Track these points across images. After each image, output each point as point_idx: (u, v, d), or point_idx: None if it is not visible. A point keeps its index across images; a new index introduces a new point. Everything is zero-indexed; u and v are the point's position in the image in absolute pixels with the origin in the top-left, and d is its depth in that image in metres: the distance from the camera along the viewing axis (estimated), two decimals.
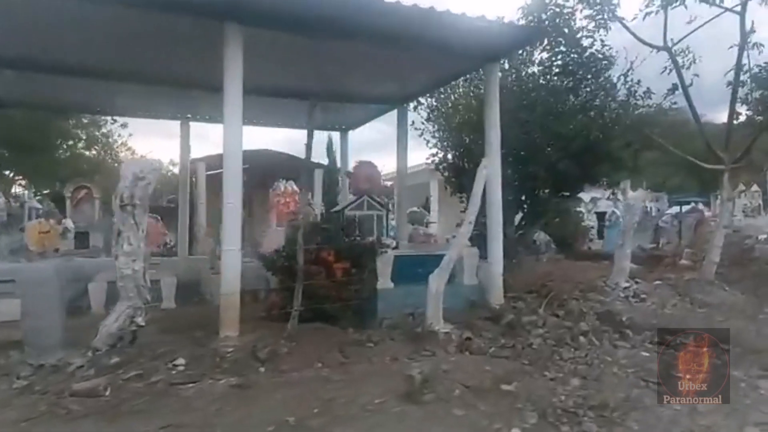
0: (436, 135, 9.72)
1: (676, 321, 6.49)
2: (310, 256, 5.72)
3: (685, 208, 23.64)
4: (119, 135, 22.83)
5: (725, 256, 10.39)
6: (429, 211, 18.40)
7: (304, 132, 6.46)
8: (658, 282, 7.64)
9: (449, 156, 9.41)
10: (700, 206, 23.34)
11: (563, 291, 7.18)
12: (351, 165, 12.41)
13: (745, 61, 8.49)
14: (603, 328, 5.93)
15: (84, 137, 21.37)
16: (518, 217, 9.85)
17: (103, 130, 21.74)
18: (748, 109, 14.34)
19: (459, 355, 5.15)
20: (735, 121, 8.90)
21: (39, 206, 14.00)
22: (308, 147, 6.07)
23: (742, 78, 14.28)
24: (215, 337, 5.23)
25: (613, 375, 4.59)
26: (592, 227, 23.99)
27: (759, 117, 14.12)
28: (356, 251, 6.09)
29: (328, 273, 5.78)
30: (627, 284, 7.26)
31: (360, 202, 8.80)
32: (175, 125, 10.70)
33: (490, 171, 6.51)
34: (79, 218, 11.67)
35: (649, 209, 25.62)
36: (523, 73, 8.47)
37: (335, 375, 4.37)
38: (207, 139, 39.76)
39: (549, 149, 7.98)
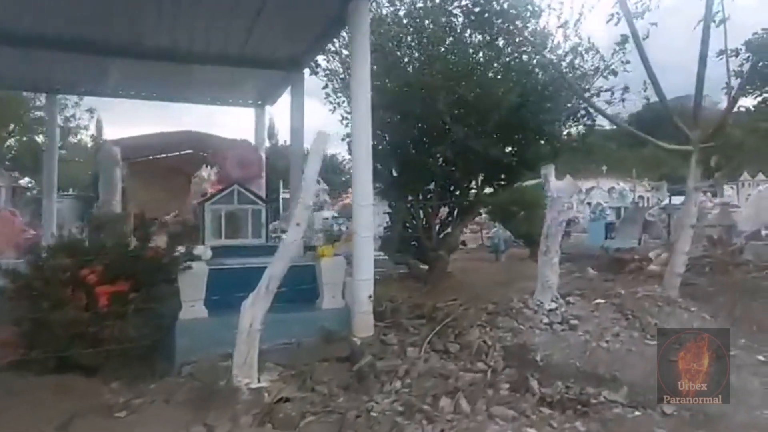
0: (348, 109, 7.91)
1: (609, 361, 4.78)
2: (65, 274, 4.00)
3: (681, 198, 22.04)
4: None
5: (703, 261, 8.68)
6: None
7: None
8: (599, 301, 5.88)
9: None
10: (707, 195, 21.67)
11: (467, 315, 5.46)
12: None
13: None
14: (496, 380, 4.23)
15: None
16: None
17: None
18: (739, 81, 12.59)
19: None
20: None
21: None
22: None
23: (736, 46, 12.44)
24: None
25: None
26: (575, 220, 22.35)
27: (756, 92, 12.35)
28: (141, 266, 4.32)
29: (90, 299, 4.04)
30: (554, 305, 5.50)
31: (229, 194, 7.07)
32: None
33: (357, 148, 4.78)
34: None
35: (636, 200, 23.97)
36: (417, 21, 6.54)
37: None
38: None
39: (456, 123, 6.20)
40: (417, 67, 6.26)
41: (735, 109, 7.58)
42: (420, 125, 6.39)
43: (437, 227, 7.61)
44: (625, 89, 6.56)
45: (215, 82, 8.51)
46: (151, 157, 14.23)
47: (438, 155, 6.50)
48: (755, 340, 5.40)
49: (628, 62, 6.12)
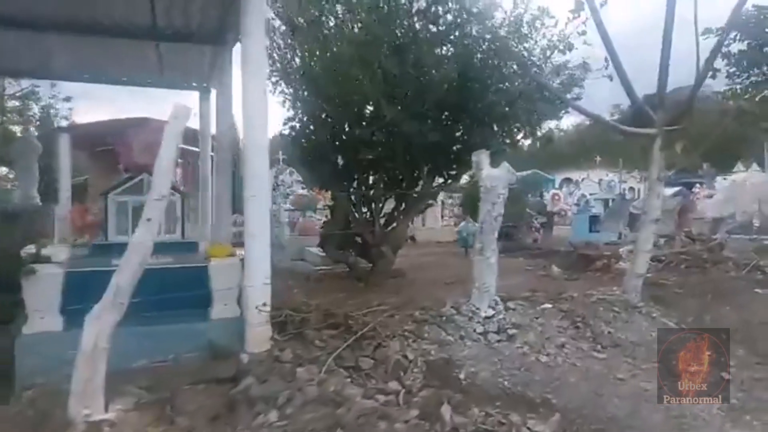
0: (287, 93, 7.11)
1: (546, 379, 4.09)
2: None
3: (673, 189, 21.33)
4: None
5: (679, 257, 7.99)
6: None
7: None
8: (547, 306, 5.19)
9: (297, 122, 6.81)
10: (700, 187, 20.92)
11: (391, 323, 4.76)
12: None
13: None
14: (405, 406, 3.54)
15: None
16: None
17: None
18: (728, 65, 11.85)
19: None
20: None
21: None
22: None
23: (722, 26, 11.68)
24: None
25: None
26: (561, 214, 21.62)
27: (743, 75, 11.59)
28: None
29: None
30: (491, 311, 4.80)
31: (136, 184, 6.33)
32: None
33: (249, 128, 4.08)
34: None
35: (625, 191, 23.24)
36: None
37: None
38: None
39: (391, 104, 5.43)
40: (345, 39, 5.51)
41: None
42: (353, 108, 5.66)
43: (382, 221, 6.90)
44: (584, 65, 5.83)
45: (142, 60, 7.71)
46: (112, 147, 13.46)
47: (375, 142, 5.77)
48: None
49: (584, 33, 5.40)
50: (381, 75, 5.23)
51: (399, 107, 5.40)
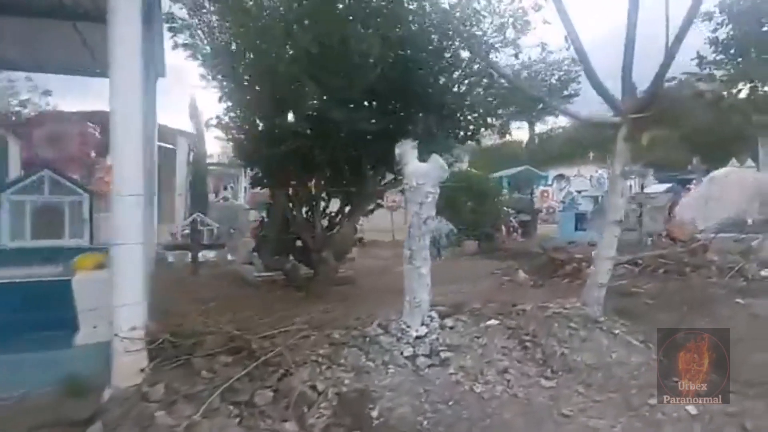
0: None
1: (477, 416, 3.42)
2: None
3: (663, 186, 20.68)
4: None
5: (658, 261, 7.34)
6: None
7: None
8: (492, 322, 4.50)
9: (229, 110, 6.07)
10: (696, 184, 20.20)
11: (304, 346, 4.08)
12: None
13: None
14: None
15: None
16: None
17: None
18: (714, 52, 11.22)
19: None
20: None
21: None
22: None
23: (709, 9, 11.02)
24: None
25: None
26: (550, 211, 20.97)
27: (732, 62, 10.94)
28: None
29: None
30: (424, 330, 4.12)
31: (36, 181, 5.71)
32: None
33: (118, 117, 3.40)
34: None
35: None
36: None
37: None
38: None
39: (319, 89, 4.72)
40: (267, 11, 4.79)
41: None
42: (279, 92, 4.95)
43: (325, 223, 6.21)
44: (542, 46, 5.16)
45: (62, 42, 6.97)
46: None
47: (303, 131, 5.08)
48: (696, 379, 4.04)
49: (539, 8, 4.69)
50: (305, 53, 4.52)
51: (325, 91, 4.70)
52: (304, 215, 6.18)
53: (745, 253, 7.25)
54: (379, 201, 6.52)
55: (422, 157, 6.01)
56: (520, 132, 43.92)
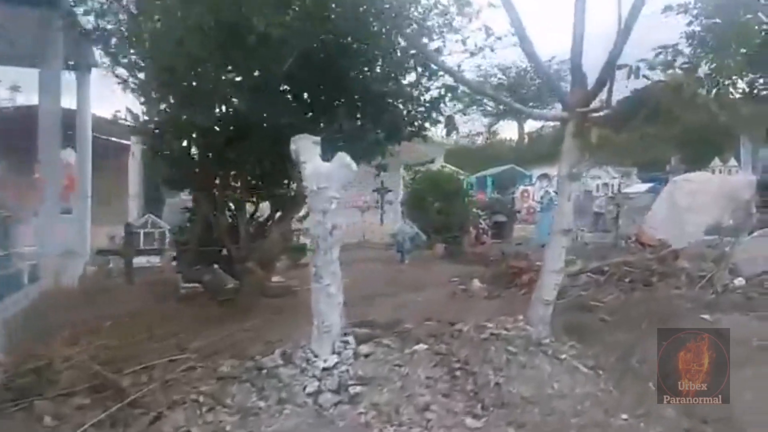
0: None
1: None
2: None
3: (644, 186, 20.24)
4: None
5: (623, 269, 6.81)
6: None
7: None
8: (419, 347, 3.91)
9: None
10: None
11: (184, 381, 3.46)
12: None
13: None
14: None
15: None
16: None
17: None
18: (689, 45, 10.73)
19: None
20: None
21: None
22: None
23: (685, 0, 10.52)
24: None
25: None
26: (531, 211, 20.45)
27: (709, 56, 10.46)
28: None
29: None
30: (334, 359, 3.52)
31: None
32: None
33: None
34: None
35: (591, 188, 22.20)
36: None
37: None
38: None
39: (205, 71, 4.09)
40: None
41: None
42: (183, 80, 4.32)
43: (252, 229, 5.60)
44: (488, 30, 4.58)
45: None
46: None
47: (210, 126, 4.47)
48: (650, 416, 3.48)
49: None
50: (199, 30, 3.89)
51: (231, 78, 4.08)
52: (229, 220, 5.56)
53: (718, 260, 6.74)
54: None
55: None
56: (510, 130, 43.62)
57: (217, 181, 5.36)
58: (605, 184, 27.02)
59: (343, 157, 3.29)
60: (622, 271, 6.61)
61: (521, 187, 25.34)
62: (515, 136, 42.59)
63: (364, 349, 3.73)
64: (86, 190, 8.85)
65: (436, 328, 4.40)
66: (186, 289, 5.99)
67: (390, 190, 16.55)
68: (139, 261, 8.43)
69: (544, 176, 36.78)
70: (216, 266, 5.79)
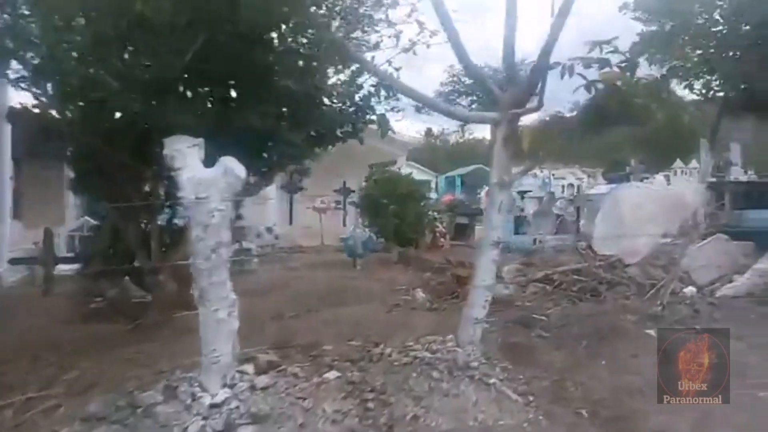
0: None
1: None
2: None
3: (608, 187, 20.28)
4: None
5: (571, 277, 6.57)
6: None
7: None
8: (329, 376, 3.49)
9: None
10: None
11: (48, 422, 2.97)
12: None
13: None
14: None
15: None
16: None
17: None
18: (651, 47, 10.64)
19: None
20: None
21: None
22: None
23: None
24: None
25: None
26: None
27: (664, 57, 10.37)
28: None
29: None
30: (226, 394, 3.07)
31: None
32: None
33: None
34: None
35: (555, 190, 22.18)
36: None
37: None
38: None
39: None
40: None
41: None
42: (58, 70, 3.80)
43: (167, 238, 5.09)
44: (419, 24, 4.22)
45: None
46: None
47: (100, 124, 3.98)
48: None
49: None
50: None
51: (109, 70, 3.58)
52: (141, 228, 5.04)
53: (668, 266, 6.54)
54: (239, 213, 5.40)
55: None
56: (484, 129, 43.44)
57: (122, 186, 4.83)
58: (570, 185, 27.18)
59: (227, 162, 2.85)
60: (571, 279, 6.35)
61: (486, 188, 25.19)
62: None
63: (263, 380, 3.28)
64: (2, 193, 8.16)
65: (356, 351, 4.00)
66: (96, 303, 5.44)
67: (353, 191, 16.07)
68: (70, 268, 7.73)
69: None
70: (127, 278, 5.26)
